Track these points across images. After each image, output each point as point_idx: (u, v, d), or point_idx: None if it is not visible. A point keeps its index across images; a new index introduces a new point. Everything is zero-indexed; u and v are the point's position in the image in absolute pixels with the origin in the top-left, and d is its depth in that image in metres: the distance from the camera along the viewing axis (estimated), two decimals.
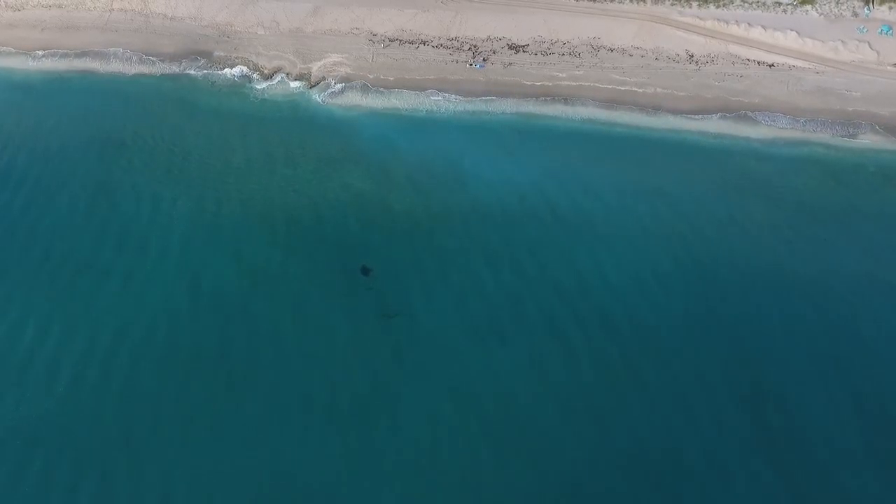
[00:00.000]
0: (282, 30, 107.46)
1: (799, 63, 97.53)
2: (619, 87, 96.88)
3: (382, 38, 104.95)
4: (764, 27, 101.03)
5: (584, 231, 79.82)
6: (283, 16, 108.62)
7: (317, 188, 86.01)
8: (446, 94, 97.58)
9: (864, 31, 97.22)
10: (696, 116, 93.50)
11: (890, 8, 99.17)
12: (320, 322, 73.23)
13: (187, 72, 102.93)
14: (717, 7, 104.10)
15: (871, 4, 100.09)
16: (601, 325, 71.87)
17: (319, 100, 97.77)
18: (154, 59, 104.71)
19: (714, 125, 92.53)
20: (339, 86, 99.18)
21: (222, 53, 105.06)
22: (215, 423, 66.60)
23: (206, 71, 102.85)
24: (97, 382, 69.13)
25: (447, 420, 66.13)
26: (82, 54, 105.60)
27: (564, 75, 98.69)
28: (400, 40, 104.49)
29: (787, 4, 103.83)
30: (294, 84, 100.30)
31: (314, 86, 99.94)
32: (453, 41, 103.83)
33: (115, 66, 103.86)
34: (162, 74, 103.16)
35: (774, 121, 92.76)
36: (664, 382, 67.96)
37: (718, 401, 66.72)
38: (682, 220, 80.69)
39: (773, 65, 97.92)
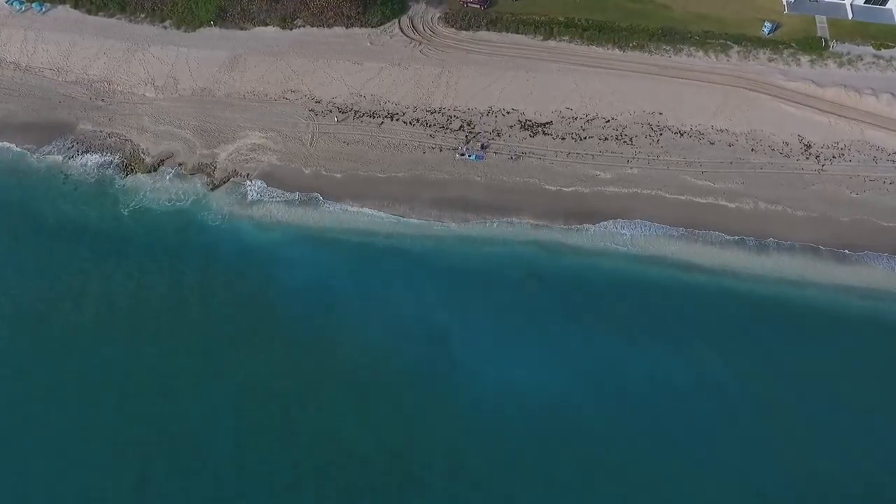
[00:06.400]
0: (181, 91, 71.71)
1: None
2: (698, 199, 61.08)
3: (329, 106, 69.25)
4: None
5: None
6: (185, 69, 72.89)
7: (194, 395, 50.55)
8: (422, 208, 61.74)
9: None
10: (825, 255, 57.58)
11: None
12: None
13: (31, 159, 67.36)
14: (839, 66, 68.20)
15: None
16: None
17: (222, 213, 62.09)
18: None
19: (857, 274, 56.50)
20: (256, 188, 63.64)
21: (89, 127, 69.44)
22: None
23: (60, 157, 67.23)
24: None
25: None
26: None
27: (609, 176, 62.92)
28: (356, 111, 68.78)
29: None
30: (189, 183, 64.61)
31: (218, 186, 64.29)
32: (436, 114, 68.11)
33: None
34: None
35: None
36: None
37: None
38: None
39: None
